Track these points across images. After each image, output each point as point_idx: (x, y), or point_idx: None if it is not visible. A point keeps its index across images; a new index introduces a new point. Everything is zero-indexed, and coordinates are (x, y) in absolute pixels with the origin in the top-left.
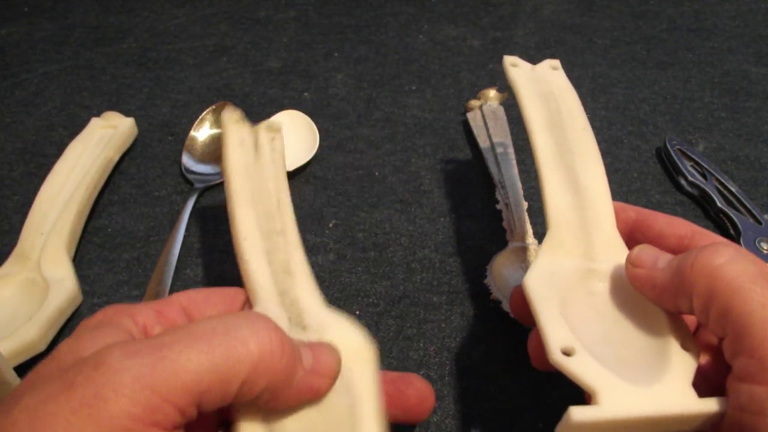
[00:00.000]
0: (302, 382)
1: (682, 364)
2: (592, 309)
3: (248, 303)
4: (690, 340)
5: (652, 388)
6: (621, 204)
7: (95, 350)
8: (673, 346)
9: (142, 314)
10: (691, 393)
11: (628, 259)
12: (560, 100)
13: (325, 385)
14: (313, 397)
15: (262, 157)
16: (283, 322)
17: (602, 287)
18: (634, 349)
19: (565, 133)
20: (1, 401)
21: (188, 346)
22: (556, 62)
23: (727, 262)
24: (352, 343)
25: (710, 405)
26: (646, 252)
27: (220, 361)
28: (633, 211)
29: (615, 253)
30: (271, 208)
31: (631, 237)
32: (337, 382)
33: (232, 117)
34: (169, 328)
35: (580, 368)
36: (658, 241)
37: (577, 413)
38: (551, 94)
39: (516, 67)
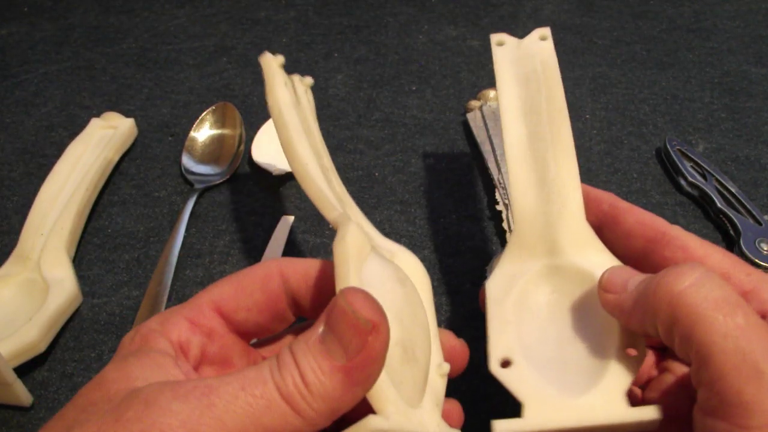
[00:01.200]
0: (344, 393)
1: (619, 372)
2: (548, 311)
3: (283, 278)
4: (640, 344)
5: (583, 397)
6: (597, 194)
7: (142, 381)
8: (617, 351)
9: (176, 330)
10: (622, 402)
11: (599, 284)
12: (542, 78)
13: (374, 373)
14: (366, 387)
15: (300, 103)
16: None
17: (564, 285)
18: (579, 353)
19: (541, 118)
20: (50, 426)
21: (235, 397)
22: (546, 31)
23: (689, 287)
24: (414, 270)
25: (640, 414)
26: (616, 275)
27: (261, 415)
28: (606, 204)
29: (583, 246)
30: (317, 146)
31: (600, 232)
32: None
33: (276, 60)
34: (211, 365)
35: (515, 380)
36: (625, 241)
37: (500, 426)
38: (534, 73)
39: (501, 46)
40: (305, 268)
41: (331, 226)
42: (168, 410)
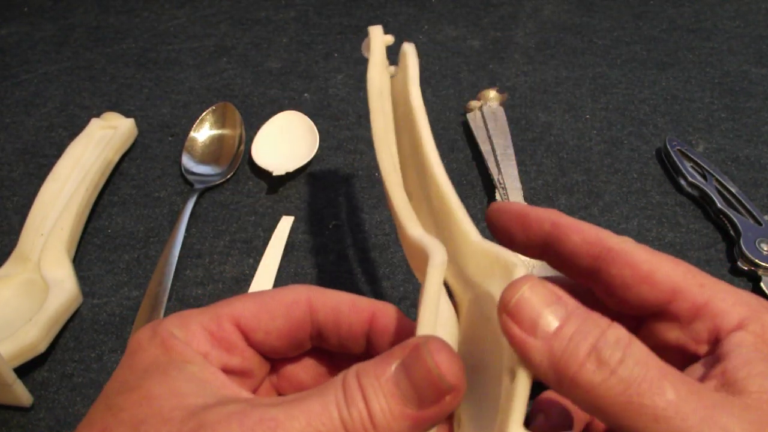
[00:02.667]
0: (412, 427)
1: (507, 407)
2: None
3: (310, 308)
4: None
5: None
6: (538, 213)
7: (194, 398)
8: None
9: (196, 340)
10: None
11: (501, 304)
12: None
13: (437, 414)
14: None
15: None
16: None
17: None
18: (482, 387)
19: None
20: None
21: (300, 427)
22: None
23: (606, 377)
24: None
25: None
26: (526, 302)
27: None
28: (548, 224)
29: (483, 266)
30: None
31: (544, 253)
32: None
33: (384, 38)
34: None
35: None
36: (571, 261)
37: None
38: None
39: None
40: (336, 303)
41: (405, 241)
42: None
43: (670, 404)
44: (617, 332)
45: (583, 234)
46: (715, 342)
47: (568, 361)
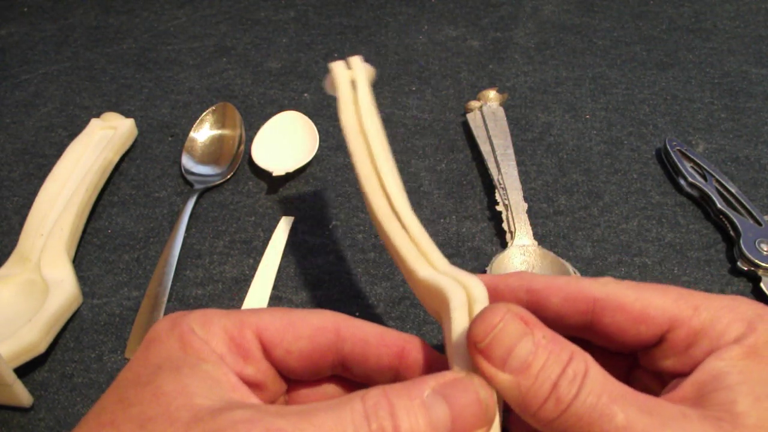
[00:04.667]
0: None
1: None
2: None
3: (337, 337)
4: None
5: None
6: (507, 283)
7: (202, 398)
8: None
9: (215, 341)
10: None
11: (471, 340)
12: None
13: None
14: None
15: (359, 102)
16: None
17: None
18: None
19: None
20: None
21: None
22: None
23: (561, 413)
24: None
25: None
26: (496, 339)
27: None
28: (522, 292)
29: (435, 299)
30: (378, 152)
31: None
32: None
33: (346, 72)
34: (277, 404)
35: None
36: (560, 322)
37: None
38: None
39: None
40: (364, 334)
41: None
42: None
43: (619, 429)
44: (575, 365)
45: (562, 293)
46: None
47: (532, 400)
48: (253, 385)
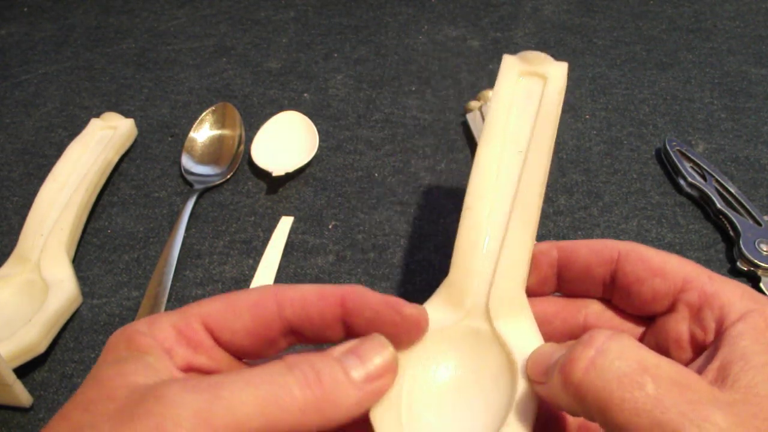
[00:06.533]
0: (360, 398)
1: None
2: (453, 380)
3: (277, 305)
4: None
5: None
6: (543, 245)
7: (142, 378)
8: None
9: (161, 335)
10: None
11: (526, 370)
12: (536, 120)
13: (384, 386)
14: (377, 399)
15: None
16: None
17: (474, 352)
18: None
19: (516, 163)
20: (53, 428)
21: (241, 389)
22: (562, 69)
23: (586, 372)
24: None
25: None
26: (538, 360)
27: (268, 406)
28: (555, 249)
29: (512, 316)
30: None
31: (561, 277)
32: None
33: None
34: (193, 345)
35: None
36: (587, 275)
37: None
38: (528, 108)
39: (511, 60)
40: (302, 294)
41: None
42: (179, 402)
43: (649, 397)
44: (604, 331)
45: (589, 246)
46: (721, 332)
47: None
48: (207, 373)
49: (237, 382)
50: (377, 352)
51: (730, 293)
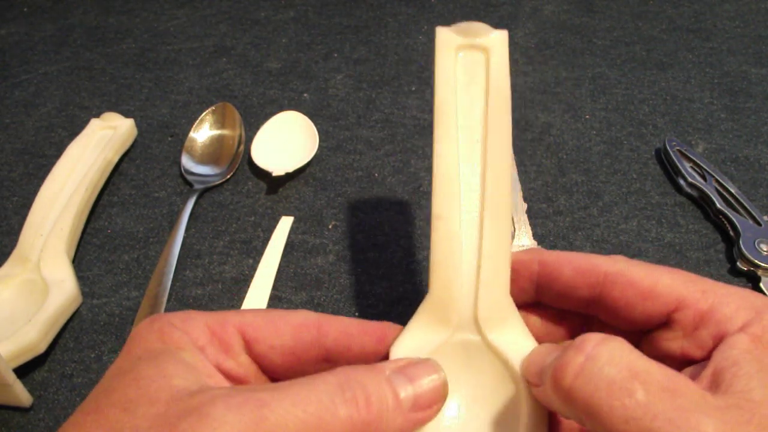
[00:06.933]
0: (404, 425)
1: None
2: (453, 399)
3: (319, 332)
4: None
5: None
6: (519, 257)
7: (181, 381)
8: None
9: (195, 332)
10: None
11: (522, 374)
12: (488, 98)
13: (428, 417)
14: (421, 426)
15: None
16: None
17: (470, 364)
18: None
19: (475, 151)
20: (87, 423)
21: (286, 410)
22: (501, 36)
23: (576, 378)
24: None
25: None
26: (533, 362)
27: (313, 429)
28: (535, 264)
29: (502, 323)
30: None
31: (541, 292)
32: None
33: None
34: (265, 383)
35: None
36: (569, 294)
37: None
38: (476, 87)
39: (446, 34)
40: (345, 326)
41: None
42: (223, 422)
43: (639, 405)
44: (594, 336)
45: (573, 265)
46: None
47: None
48: (233, 380)
49: (283, 401)
50: (429, 377)
51: (726, 307)
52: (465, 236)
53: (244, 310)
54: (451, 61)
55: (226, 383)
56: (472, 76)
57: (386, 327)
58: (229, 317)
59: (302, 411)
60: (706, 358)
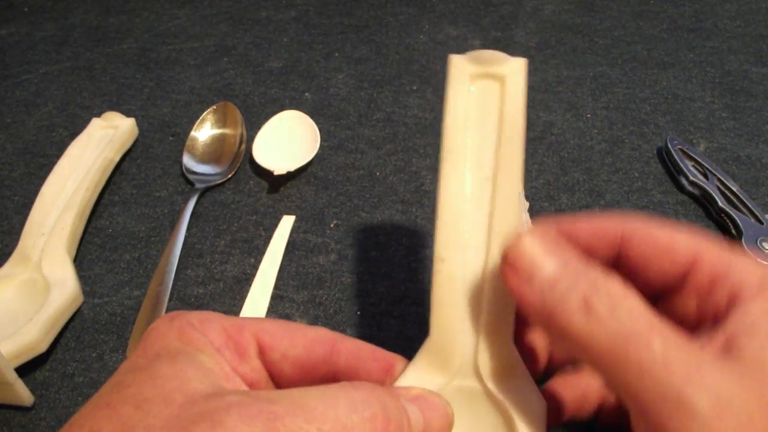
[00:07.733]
0: None
1: None
2: None
3: (332, 350)
4: None
5: None
6: (542, 224)
7: (197, 383)
8: None
9: (212, 334)
10: None
11: (502, 256)
12: (501, 131)
13: None
14: None
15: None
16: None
17: (469, 413)
18: None
19: (485, 175)
20: (100, 417)
21: (299, 426)
22: (520, 64)
23: (589, 324)
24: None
25: None
26: (525, 248)
27: None
28: (553, 231)
29: (504, 371)
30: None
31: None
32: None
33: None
34: (277, 389)
35: None
36: (589, 254)
37: None
38: (489, 116)
39: (461, 62)
40: (358, 349)
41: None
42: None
43: (656, 357)
44: (610, 285)
45: (591, 227)
46: (732, 307)
47: (560, 313)
48: (246, 383)
49: (298, 414)
50: (438, 412)
51: (741, 271)
52: (469, 279)
53: (262, 318)
54: (464, 91)
55: (243, 386)
56: (484, 107)
57: (395, 358)
58: (246, 323)
59: (316, 429)
60: (718, 322)
